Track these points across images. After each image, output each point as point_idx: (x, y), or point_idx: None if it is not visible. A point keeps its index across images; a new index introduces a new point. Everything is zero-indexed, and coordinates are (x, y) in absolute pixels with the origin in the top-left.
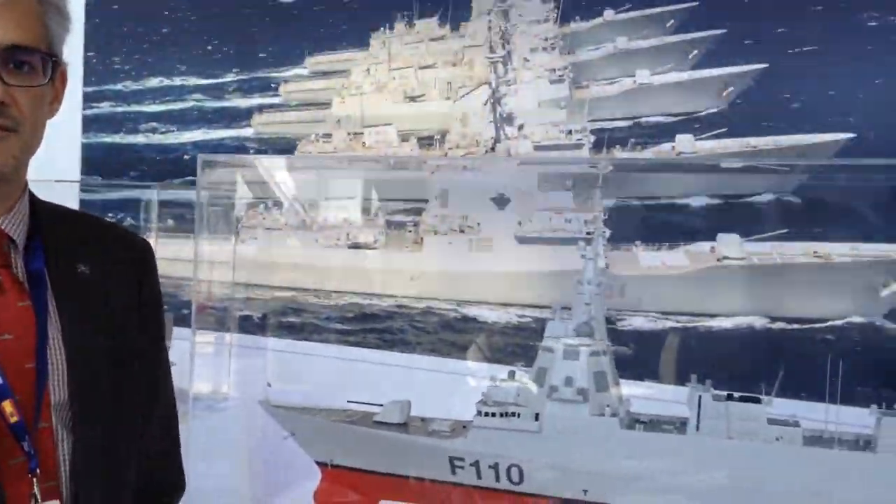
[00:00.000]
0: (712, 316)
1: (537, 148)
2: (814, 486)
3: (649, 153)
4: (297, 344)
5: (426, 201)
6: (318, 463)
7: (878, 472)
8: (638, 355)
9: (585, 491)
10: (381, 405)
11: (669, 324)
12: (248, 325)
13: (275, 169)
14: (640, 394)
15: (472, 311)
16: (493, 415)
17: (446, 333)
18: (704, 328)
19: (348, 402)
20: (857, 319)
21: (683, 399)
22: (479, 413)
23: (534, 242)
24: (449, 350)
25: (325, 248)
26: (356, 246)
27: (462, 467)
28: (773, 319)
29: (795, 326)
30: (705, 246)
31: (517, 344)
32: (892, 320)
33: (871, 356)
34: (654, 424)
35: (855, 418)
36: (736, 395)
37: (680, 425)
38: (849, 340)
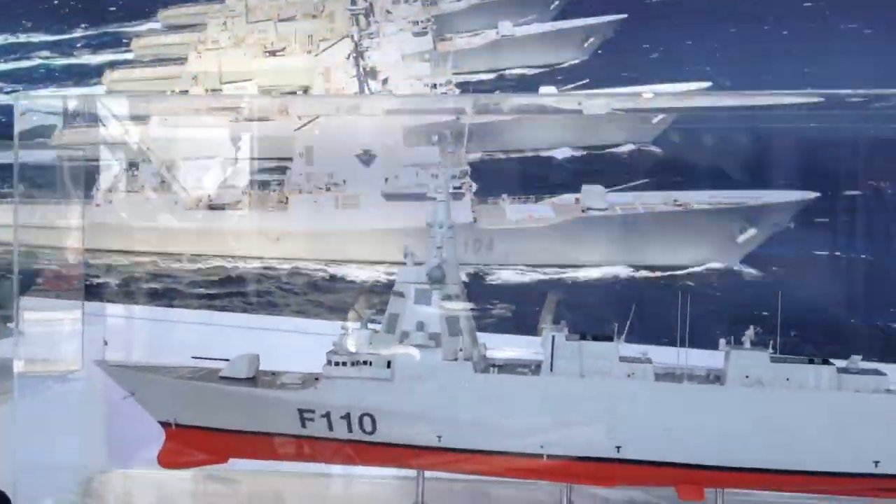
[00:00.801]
0: (579, 267)
1: (403, 103)
2: (666, 419)
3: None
4: (158, 311)
5: (290, 159)
6: (161, 423)
7: (726, 403)
8: (511, 310)
9: (440, 437)
10: (227, 360)
11: (537, 276)
12: (105, 293)
13: (116, 108)
14: (496, 345)
15: (340, 271)
16: (344, 364)
17: (315, 294)
18: (571, 279)
19: (192, 358)
20: (715, 265)
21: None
22: (330, 363)
23: (401, 198)
24: (317, 311)
25: (186, 211)
26: (218, 207)
27: (312, 419)
28: (637, 268)
29: (658, 274)
30: (570, 198)
31: (382, 302)
32: (749, 265)
33: (730, 300)
34: (508, 368)
35: (711, 360)
36: (588, 335)
37: (535, 368)
38: (708, 286)
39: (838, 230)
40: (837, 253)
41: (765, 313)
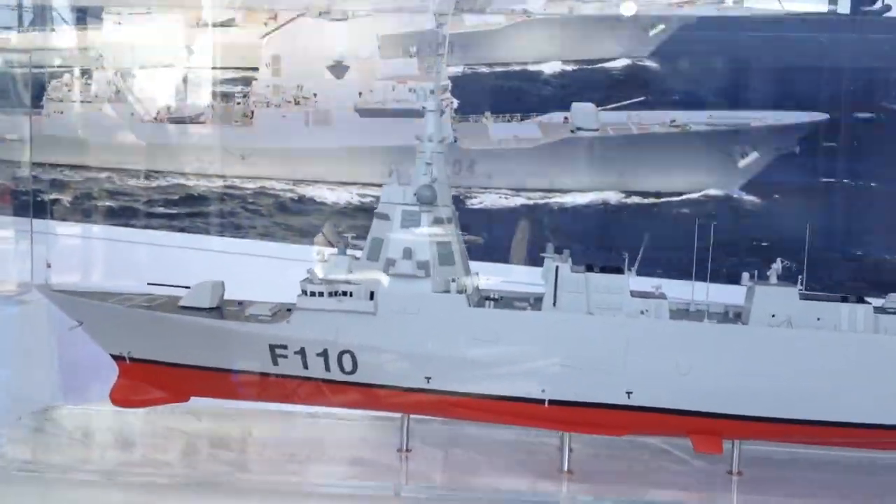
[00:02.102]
0: (566, 192)
1: (378, 9)
2: (682, 362)
3: (501, 17)
4: (113, 230)
5: (256, 69)
6: (113, 357)
7: (750, 344)
8: (492, 236)
9: (428, 379)
10: (188, 287)
11: (521, 201)
12: (56, 211)
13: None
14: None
15: (309, 192)
16: (321, 294)
17: (282, 216)
18: (558, 204)
19: (149, 284)
20: (713, 192)
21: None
22: (305, 293)
23: (376, 115)
24: (285, 234)
25: (143, 124)
26: (178, 120)
27: (285, 356)
28: (629, 194)
29: (651, 200)
30: (558, 116)
31: (360, 226)
32: (749, 192)
33: (728, 230)
34: (505, 302)
35: (720, 294)
36: (596, 266)
37: (535, 302)
38: (705, 215)
39: (848, 155)
40: (846, 180)
41: (764, 244)
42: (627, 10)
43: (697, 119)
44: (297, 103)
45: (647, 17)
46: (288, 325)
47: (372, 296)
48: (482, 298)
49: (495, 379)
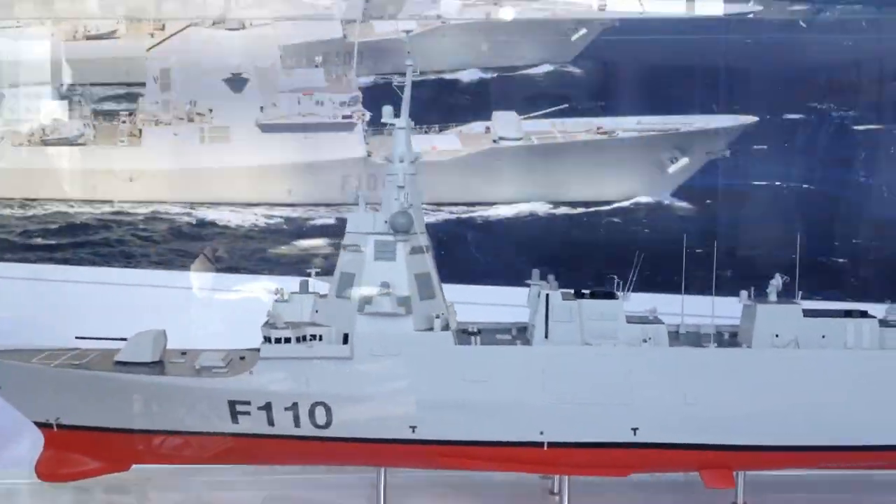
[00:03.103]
0: (490, 204)
1: (277, 17)
2: (688, 392)
3: (413, 23)
4: None
5: (143, 85)
6: (38, 425)
7: (757, 369)
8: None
9: (413, 427)
10: (124, 339)
11: (443, 216)
12: None
13: None
14: None
15: (209, 215)
16: (287, 340)
17: (179, 242)
18: (482, 218)
19: (76, 338)
20: (644, 199)
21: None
22: (268, 339)
23: (280, 130)
24: (183, 262)
25: (15, 147)
26: (56, 142)
27: (247, 413)
28: (556, 204)
29: (580, 210)
30: (479, 126)
31: (264, 249)
32: (679, 198)
33: (661, 236)
34: (487, 335)
35: (665, 306)
36: (586, 291)
37: (518, 332)
38: (636, 222)
39: (779, 158)
40: (778, 183)
41: (698, 250)
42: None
43: (625, 125)
44: (190, 120)
45: (568, 21)
46: (251, 377)
47: (346, 338)
48: (463, 333)
49: (487, 423)
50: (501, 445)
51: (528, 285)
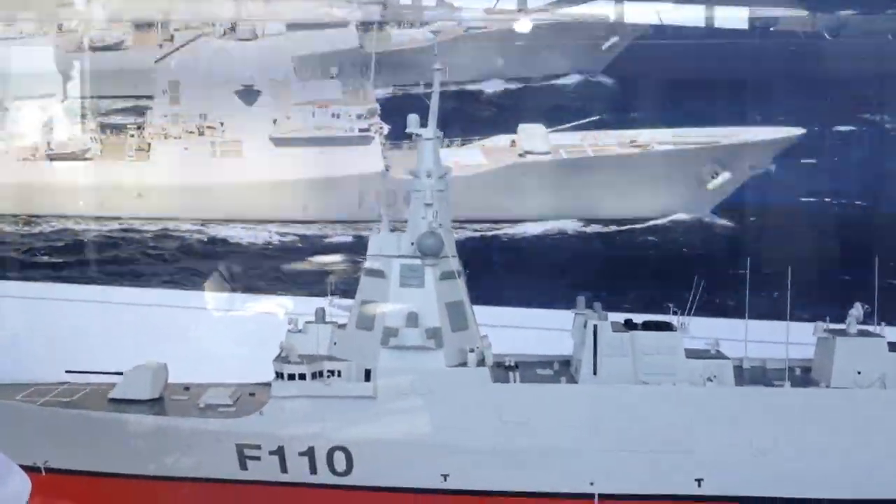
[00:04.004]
0: (516, 222)
1: (291, 27)
2: (759, 438)
3: (431, 33)
4: None
5: (151, 97)
6: (25, 468)
7: (838, 411)
8: None
9: (445, 476)
10: (120, 373)
11: (466, 234)
12: None
13: None
14: None
15: (221, 232)
16: (302, 376)
17: (190, 260)
18: (508, 236)
19: (67, 371)
20: (681, 216)
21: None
22: (280, 375)
23: (294, 144)
24: (195, 280)
25: (20, 161)
26: (62, 157)
27: (257, 458)
28: (587, 222)
29: (613, 228)
30: (504, 140)
31: (278, 267)
32: (721, 215)
33: (703, 256)
34: (527, 369)
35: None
36: (637, 321)
37: (560, 367)
38: (674, 242)
39: (828, 172)
40: (827, 199)
41: (741, 271)
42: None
43: (661, 138)
44: (200, 134)
45: (599, 28)
46: (261, 419)
47: (368, 375)
48: (501, 367)
49: (529, 471)
50: (545, 497)
51: (574, 313)
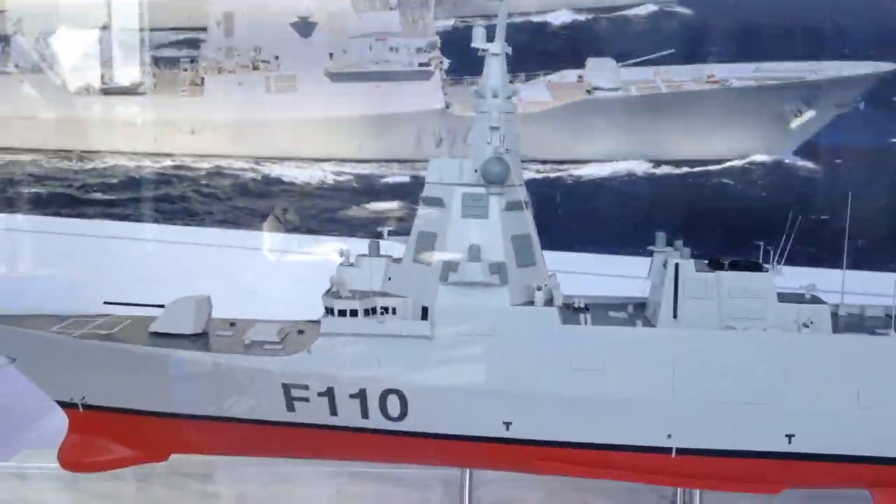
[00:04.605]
0: (582, 162)
1: None
2: (861, 393)
3: None
4: (42, 221)
5: (204, 30)
6: (61, 404)
7: None
8: None
9: (508, 424)
10: (162, 306)
11: (528, 174)
12: None
13: None
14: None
15: (275, 171)
16: (354, 313)
17: (243, 199)
18: (573, 178)
19: (105, 303)
20: (760, 158)
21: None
22: (330, 311)
23: (351, 79)
24: (248, 220)
25: (72, 96)
26: (116, 91)
27: (305, 399)
28: (658, 163)
29: (685, 170)
30: (571, 75)
31: (333, 210)
32: (804, 156)
33: (780, 201)
34: (598, 312)
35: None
36: (724, 261)
37: (635, 309)
38: (751, 184)
39: None
40: None
41: (823, 217)
42: None
43: (741, 73)
44: (255, 68)
45: None
46: (309, 357)
47: (425, 313)
48: (571, 308)
49: (600, 422)
50: (617, 450)
51: (650, 252)
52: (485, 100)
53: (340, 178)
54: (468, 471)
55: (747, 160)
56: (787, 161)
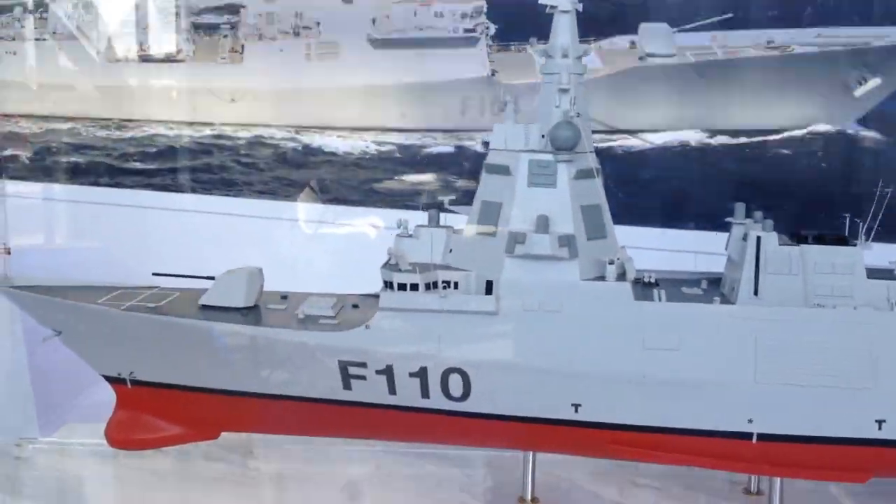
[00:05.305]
0: (634, 132)
1: None
2: None
3: None
4: (80, 191)
5: None
6: (108, 379)
7: None
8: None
9: (577, 406)
10: (212, 278)
11: None
12: (13, 169)
13: None
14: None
15: (315, 140)
16: (414, 287)
17: (284, 169)
18: (624, 148)
19: (153, 274)
20: (821, 127)
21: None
22: (389, 285)
23: (394, 46)
24: (287, 191)
25: (110, 64)
26: (155, 59)
27: (362, 377)
28: (713, 133)
29: (742, 140)
30: (623, 41)
31: (375, 180)
32: (867, 126)
33: (846, 173)
34: (671, 287)
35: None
36: (809, 234)
37: (709, 285)
38: (812, 156)
39: None
40: None
41: (888, 190)
42: None
43: (803, 39)
44: (296, 34)
45: None
46: (367, 333)
47: (490, 287)
48: (643, 283)
49: (676, 405)
50: (694, 435)
51: (729, 224)
52: (553, 60)
53: (382, 149)
54: (531, 453)
55: (808, 129)
56: (849, 131)
